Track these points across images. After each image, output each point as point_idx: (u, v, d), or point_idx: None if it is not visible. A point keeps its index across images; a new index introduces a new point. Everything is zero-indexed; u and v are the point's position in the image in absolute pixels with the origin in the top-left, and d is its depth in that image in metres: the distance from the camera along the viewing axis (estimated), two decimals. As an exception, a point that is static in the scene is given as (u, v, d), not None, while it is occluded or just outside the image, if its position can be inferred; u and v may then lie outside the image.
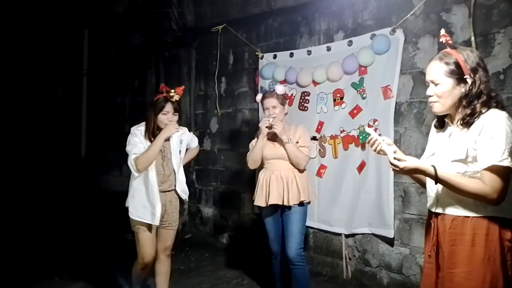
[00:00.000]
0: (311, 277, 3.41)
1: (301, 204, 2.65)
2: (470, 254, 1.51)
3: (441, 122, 1.71)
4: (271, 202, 2.64)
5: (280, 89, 2.73)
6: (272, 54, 3.82)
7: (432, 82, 1.61)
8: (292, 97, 3.63)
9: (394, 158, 1.54)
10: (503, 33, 2.58)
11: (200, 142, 3.53)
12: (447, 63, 1.57)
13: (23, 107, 6.36)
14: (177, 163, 2.67)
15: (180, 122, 2.73)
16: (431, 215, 1.69)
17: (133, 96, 5.52)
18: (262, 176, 2.73)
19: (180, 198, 2.74)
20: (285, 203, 2.62)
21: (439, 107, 1.61)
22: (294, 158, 2.63)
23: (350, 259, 3.33)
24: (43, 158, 6.26)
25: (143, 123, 2.62)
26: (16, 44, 6.21)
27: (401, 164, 1.54)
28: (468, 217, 1.53)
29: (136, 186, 2.57)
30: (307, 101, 3.55)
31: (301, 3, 3.59)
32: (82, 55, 5.87)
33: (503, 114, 1.51)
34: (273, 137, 2.70)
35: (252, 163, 2.74)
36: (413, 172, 1.61)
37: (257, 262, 3.66)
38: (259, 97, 2.82)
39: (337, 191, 3.33)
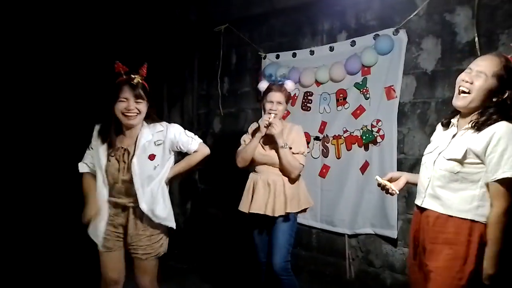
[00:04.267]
0: (314, 277, 3.44)
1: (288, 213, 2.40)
2: (450, 252, 1.55)
3: (448, 122, 1.74)
4: (252, 210, 2.39)
5: (290, 86, 2.50)
6: (275, 54, 3.82)
7: (477, 71, 1.57)
8: (295, 97, 3.63)
9: None
10: (507, 34, 2.57)
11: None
12: (503, 66, 1.55)
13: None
14: (142, 171, 2.01)
15: (152, 115, 2.13)
16: (418, 210, 1.74)
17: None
18: (250, 179, 2.50)
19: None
20: (269, 214, 2.36)
21: (465, 100, 1.60)
22: (286, 165, 2.35)
23: (353, 259, 3.34)
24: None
25: None
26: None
27: None
28: (452, 216, 1.58)
29: None
30: (310, 101, 3.55)
31: (304, 3, 3.58)
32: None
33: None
34: (265, 139, 2.44)
35: (241, 161, 2.46)
36: None
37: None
38: (263, 85, 2.51)
39: (340, 191, 3.33)
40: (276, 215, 2.36)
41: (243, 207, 2.46)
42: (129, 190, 2.04)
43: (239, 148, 2.53)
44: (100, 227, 2.05)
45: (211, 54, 4.46)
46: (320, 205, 3.46)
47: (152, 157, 2.04)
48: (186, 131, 2.22)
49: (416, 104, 3.01)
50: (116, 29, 5.05)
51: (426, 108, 2.95)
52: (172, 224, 2.14)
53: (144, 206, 2.02)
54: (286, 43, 3.81)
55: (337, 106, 3.36)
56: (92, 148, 2.12)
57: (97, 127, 2.11)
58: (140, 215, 2.07)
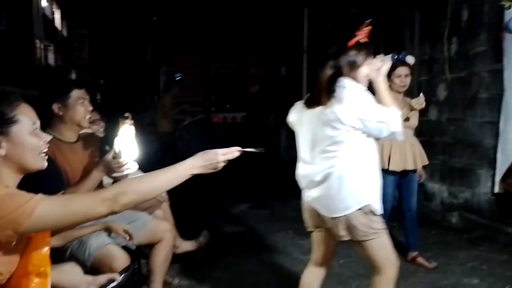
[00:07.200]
0: None
1: None
2: None
3: None
4: (409, 167, 2.83)
5: (411, 60, 2.85)
6: (524, 1, 3.12)
7: None
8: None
9: None
10: None
11: (425, 111, 3.44)
12: None
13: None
14: None
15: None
16: None
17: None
18: (394, 143, 2.75)
19: None
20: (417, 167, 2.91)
21: None
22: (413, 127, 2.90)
23: None
24: (270, 131, 7.02)
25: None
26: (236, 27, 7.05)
27: None
28: None
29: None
30: None
31: None
32: (302, 33, 6.22)
33: None
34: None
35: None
36: None
37: (496, 248, 3.24)
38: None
39: None
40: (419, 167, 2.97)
41: (397, 166, 2.80)
42: None
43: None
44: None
45: (435, 13, 4.02)
46: None
47: None
48: None
49: None
50: (331, 4, 5.13)
51: None
52: None
53: None
54: (541, -15, 3.05)
55: None
56: None
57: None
58: None
